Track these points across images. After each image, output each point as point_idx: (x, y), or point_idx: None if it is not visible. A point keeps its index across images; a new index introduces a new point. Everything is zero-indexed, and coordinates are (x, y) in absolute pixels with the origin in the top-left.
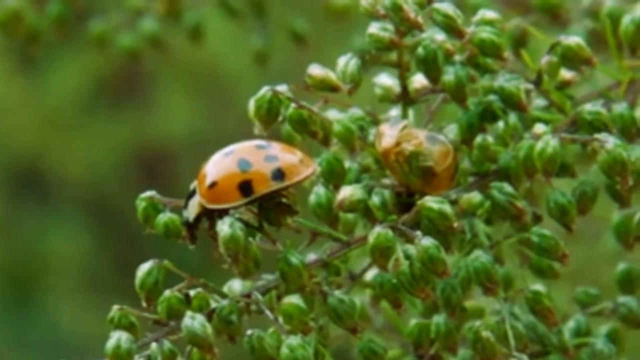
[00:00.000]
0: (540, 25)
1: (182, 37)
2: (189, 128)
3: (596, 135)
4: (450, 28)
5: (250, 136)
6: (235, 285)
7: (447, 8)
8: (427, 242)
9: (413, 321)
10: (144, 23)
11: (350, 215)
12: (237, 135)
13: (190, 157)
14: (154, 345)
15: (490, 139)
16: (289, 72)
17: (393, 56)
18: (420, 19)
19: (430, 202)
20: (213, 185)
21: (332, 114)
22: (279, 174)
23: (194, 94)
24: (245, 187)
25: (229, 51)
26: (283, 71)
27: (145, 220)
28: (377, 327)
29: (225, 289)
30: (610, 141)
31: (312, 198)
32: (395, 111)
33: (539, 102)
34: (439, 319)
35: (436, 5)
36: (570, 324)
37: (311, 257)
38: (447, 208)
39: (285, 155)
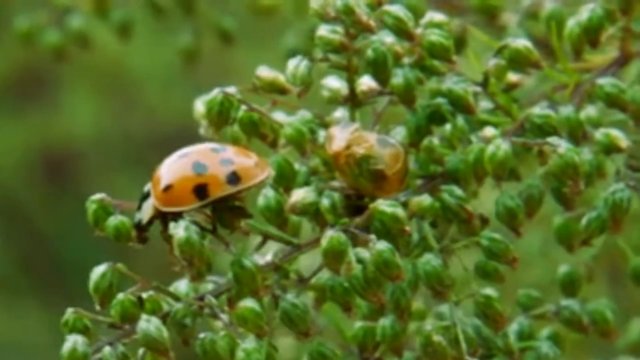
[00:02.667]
0: (476, 27)
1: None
2: (94, 128)
3: (548, 139)
4: (401, 31)
5: (155, 138)
6: (182, 287)
7: (398, 11)
8: (382, 245)
9: (358, 324)
10: (71, 20)
11: (295, 218)
12: (142, 136)
13: (95, 157)
14: (107, 348)
15: (436, 141)
16: (191, 73)
17: (341, 58)
18: (372, 22)
19: (383, 205)
20: (168, 188)
21: (279, 116)
22: (234, 178)
23: (99, 94)
24: (201, 191)
25: (135, 52)
26: (186, 72)
27: (96, 222)
28: (319, 329)
29: (170, 289)
30: (562, 145)
31: (261, 200)
32: (340, 113)
33: (485, 104)
34: (385, 321)
35: (387, 7)
36: (514, 327)
37: (261, 259)
38: (400, 211)
39: (240, 159)
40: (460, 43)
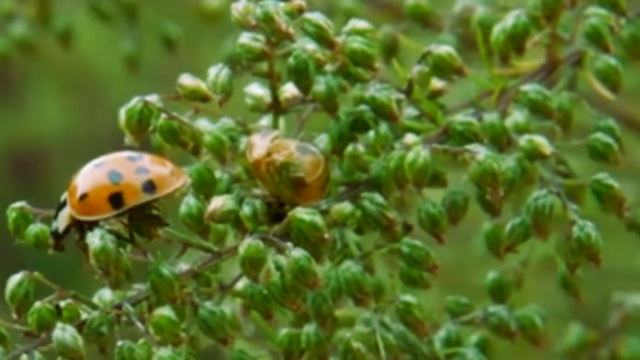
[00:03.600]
0: (412, 31)
1: (45, 40)
2: (60, 128)
3: (467, 146)
4: (322, 38)
5: (120, 137)
6: (106, 295)
7: (319, 18)
8: (298, 253)
9: (283, 331)
10: (15, 27)
11: (221, 225)
12: (108, 135)
13: (61, 157)
14: (24, 357)
15: (361, 148)
16: (160, 72)
17: (264, 66)
18: (291, 30)
19: (301, 213)
20: (83, 197)
21: (203, 123)
22: (150, 186)
23: (65, 94)
24: (116, 199)
25: (100, 51)
26: (154, 71)
27: (16, 230)
28: (248, 336)
29: (95, 298)
30: (481, 152)
31: (183, 208)
32: (265, 120)
33: (410, 111)
34: (309, 328)
35: (307, 15)
36: (441, 333)
37: (182, 267)
38: (318, 219)
39: (155, 167)
40: (391, 50)
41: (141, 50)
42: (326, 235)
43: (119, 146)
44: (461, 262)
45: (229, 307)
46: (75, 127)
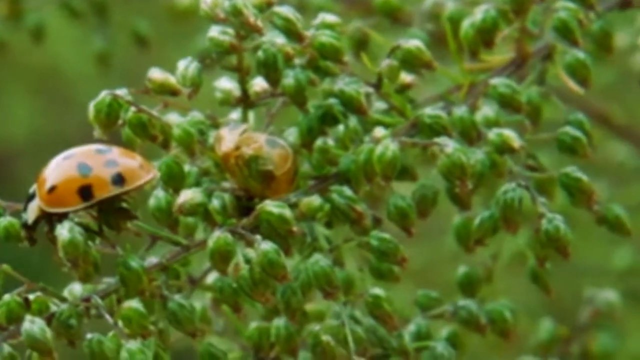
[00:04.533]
0: (382, 26)
1: (22, 38)
2: (28, 128)
3: (436, 139)
4: (290, 32)
5: (90, 136)
6: (77, 288)
7: (287, 12)
8: (267, 246)
9: (253, 324)
10: None
11: (190, 219)
12: (77, 135)
13: (30, 157)
14: None
15: (330, 142)
16: (130, 71)
17: (233, 60)
18: (260, 23)
19: (270, 206)
20: (52, 189)
21: (173, 117)
22: (119, 179)
23: (33, 94)
24: (85, 192)
25: (70, 51)
26: (124, 71)
27: None
28: (218, 330)
29: (66, 291)
30: (449, 145)
31: (152, 201)
32: (235, 114)
33: (379, 105)
34: (279, 322)
35: (276, 9)
36: (411, 327)
37: (151, 260)
38: (287, 212)
39: (125, 160)
40: (361, 44)
41: (112, 47)
42: (295, 228)
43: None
44: (433, 259)
45: (200, 301)
46: (43, 128)
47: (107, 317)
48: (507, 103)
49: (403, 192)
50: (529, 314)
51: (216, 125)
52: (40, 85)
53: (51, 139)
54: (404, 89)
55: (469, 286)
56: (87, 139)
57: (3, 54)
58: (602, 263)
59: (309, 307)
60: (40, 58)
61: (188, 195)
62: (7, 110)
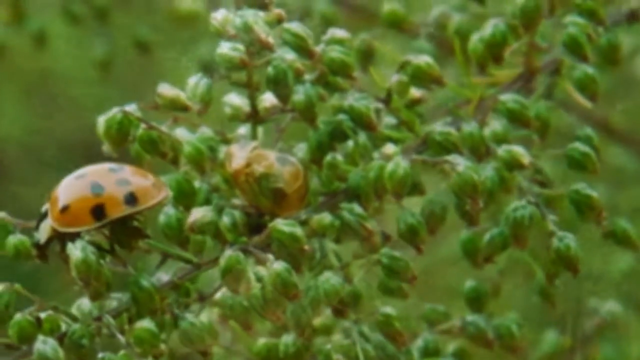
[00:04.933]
0: (388, 35)
1: (20, 40)
2: (21, 130)
3: (447, 157)
4: (301, 48)
5: (84, 141)
6: (85, 303)
7: (298, 28)
8: (279, 266)
9: (261, 340)
10: None
11: (200, 236)
12: (70, 136)
13: (23, 159)
14: None
15: (340, 157)
16: (124, 76)
17: (243, 75)
18: (271, 40)
19: (281, 224)
20: (65, 209)
21: (181, 132)
22: (132, 198)
23: (27, 98)
24: (98, 211)
25: (66, 54)
26: (120, 73)
27: None
28: (225, 344)
29: (74, 307)
30: (461, 163)
31: (162, 219)
32: (244, 129)
33: (388, 120)
34: (287, 338)
35: (286, 25)
36: (419, 343)
37: (162, 277)
38: (298, 231)
39: (137, 179)
40: (367, 56)
41: (113, 53)
42: (306, 247)
43: (82, 148)
44: (432, 263)
45: (205, 315)
46: (36, 130)
47: (119, 336)
48: (516, 118)
49: (408, 205)
50: (528, 320)
51: (225, 141)
52: (34, 87)
53: (44, 141)
54: (413, 104)
55: (476, 301)
56: (80, 141)
57: (2, 56)
58: (601, 267)
59: (317, 322)
60: (37, 60)
61: (200, 214)
62: (1, 112)
